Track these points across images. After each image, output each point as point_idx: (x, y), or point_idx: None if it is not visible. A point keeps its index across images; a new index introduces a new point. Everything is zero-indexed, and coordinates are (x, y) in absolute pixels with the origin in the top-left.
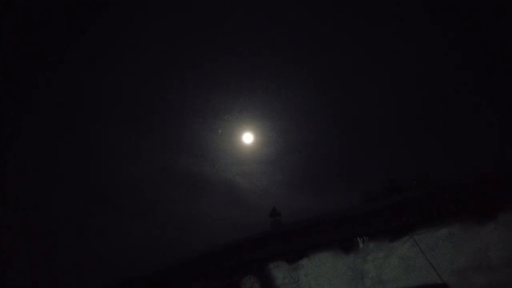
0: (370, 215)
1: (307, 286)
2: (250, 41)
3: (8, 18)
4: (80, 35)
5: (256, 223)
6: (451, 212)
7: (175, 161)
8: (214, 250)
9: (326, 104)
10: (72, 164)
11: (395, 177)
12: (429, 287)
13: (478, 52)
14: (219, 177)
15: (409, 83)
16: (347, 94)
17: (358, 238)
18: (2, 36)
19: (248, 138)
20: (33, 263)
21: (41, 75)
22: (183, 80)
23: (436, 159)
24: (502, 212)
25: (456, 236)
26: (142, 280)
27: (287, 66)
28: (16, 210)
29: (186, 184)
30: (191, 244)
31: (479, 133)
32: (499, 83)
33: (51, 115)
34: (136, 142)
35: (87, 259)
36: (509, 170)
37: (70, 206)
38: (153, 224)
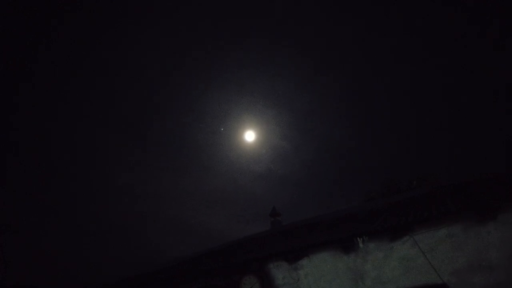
0: (370, 215)
1: (307, 286)
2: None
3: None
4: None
5: (256, 223)
6: (451, 212)
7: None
8: (215, 249)
9: (327, 105)
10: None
11: (395, 177)
12: (429, 287)
13: (478, 53)
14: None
15: (409, 83)
16: (348, 95)
17: (358, 238)
18: None
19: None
20: (33, 263)
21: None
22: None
23: (436, 159)
24: (502, 212)
25: (456, 236)
26: (143, 279)
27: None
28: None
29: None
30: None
31: (479, 133)
32: (500, 84)
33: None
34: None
35: (86, 258)
36: (509, 170)
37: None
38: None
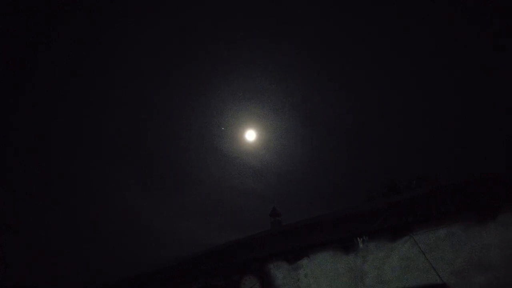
0: (370, 215)
1: (307, 286)
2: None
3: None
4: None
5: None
6: (451, 212)
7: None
8: (215, 249)
9: (327, 104)
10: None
11: (395, 177)
12: (429, 287)
13: (478, 53)
14: None
15: (409, 83)
16: (348, 95)
17: (358, 238)
18: None
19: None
20: (33, 263)
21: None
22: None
23: (436, 159)
24: (502, 212)
25: (456, 236)
26: (143, 279)
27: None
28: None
29: None
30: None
31: (479, 133)
32: (500, 84)
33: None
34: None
35: (86, 258)
36: (509, 170)
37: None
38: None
